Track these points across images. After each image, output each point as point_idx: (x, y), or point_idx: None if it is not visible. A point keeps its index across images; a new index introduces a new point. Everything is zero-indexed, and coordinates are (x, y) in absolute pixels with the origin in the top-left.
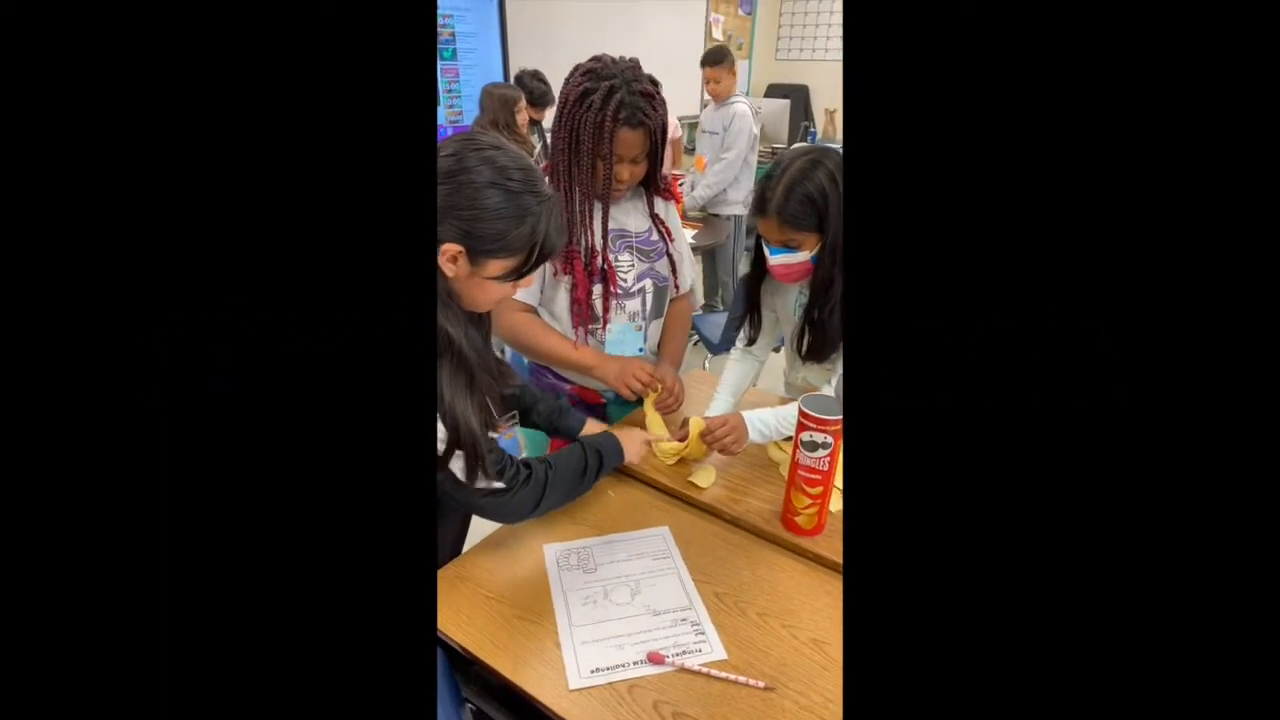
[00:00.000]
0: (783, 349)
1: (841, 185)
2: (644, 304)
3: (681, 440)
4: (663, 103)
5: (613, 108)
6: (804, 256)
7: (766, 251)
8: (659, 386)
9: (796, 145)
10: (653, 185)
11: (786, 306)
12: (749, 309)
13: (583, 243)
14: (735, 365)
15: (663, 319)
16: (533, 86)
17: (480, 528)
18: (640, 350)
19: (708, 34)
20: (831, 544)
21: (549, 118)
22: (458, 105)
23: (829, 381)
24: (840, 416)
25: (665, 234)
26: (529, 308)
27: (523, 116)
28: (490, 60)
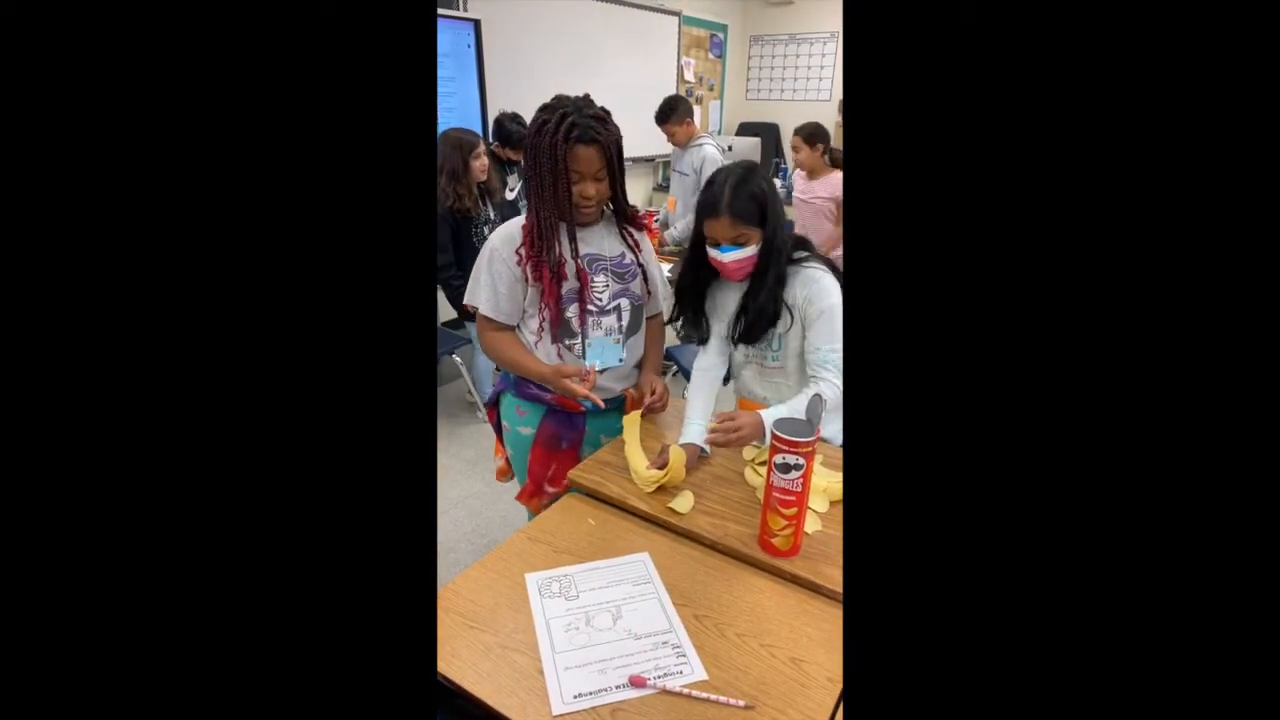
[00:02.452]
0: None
1: (769, 188)
2: (620, 320)
3: (660, 468)
4: (616, 127)
5: (565, 128)
6: (752, 251)
7: (715, 253)
8: (592, 384)
9: (723, 165)
10: (620, 209)
11: (728, 310)
12: (696, 310)
13: (551, 255)
14: (698, 390)
15: (641, 334)
16: (512, 129)
17: (463, 559)
18: (620, 361)
19: (679, 76)
20: (808, 565)
21: None
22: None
23: (773, 382)
24: (811, 438)
25: (635, 247)
26: (508, 326)
27: (479, 163)
28: (469, 104)
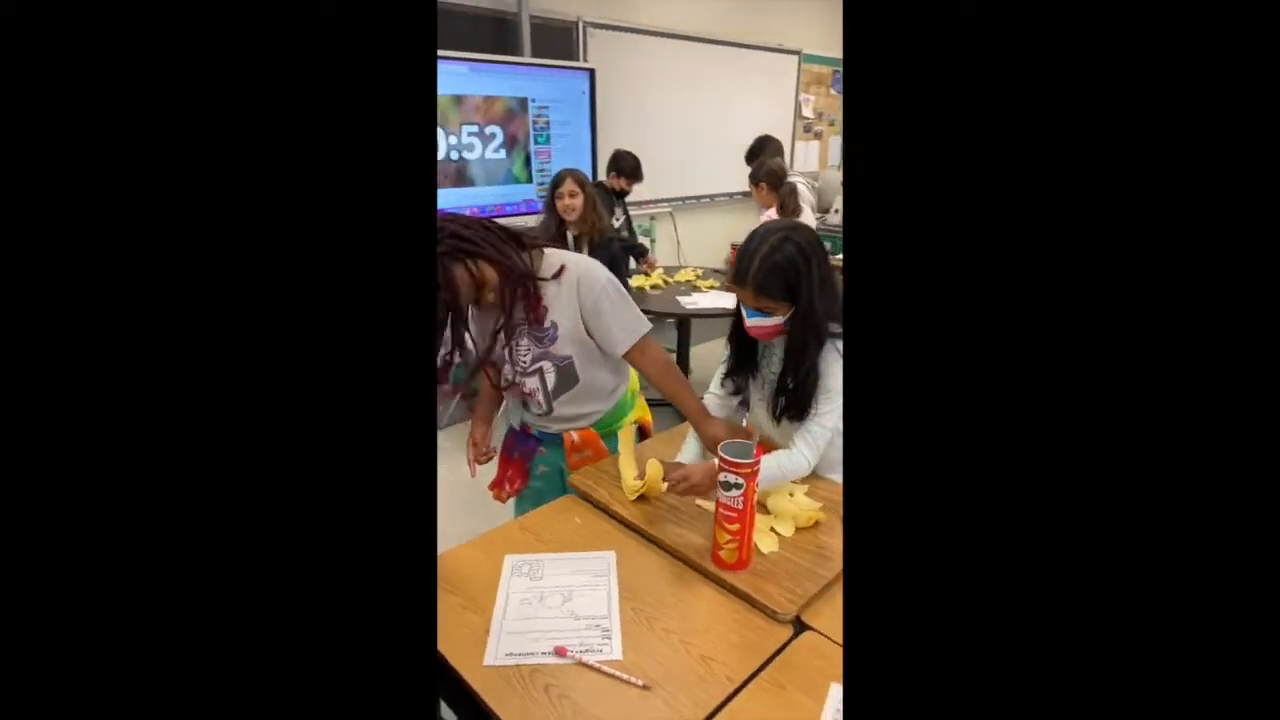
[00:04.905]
0: (751, 407)
1: (811, 258)
2: (544, 382)
3: (641, 479)
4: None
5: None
6: (777, 320)
7: (743, 312)
8: (483, 460)
9: (771, 221)
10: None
11: (770, 367)
12: (745, 363)
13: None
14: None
15: (579, 387)
16: (625, 163)
17: (464, 531)
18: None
19: (797, 112)
20: (751, 580)
21: (637, 191)
22: (546, 184)
23: (782, 429)
24: (750, 461)
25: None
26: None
27: (563, 201)
28: (580, 145)
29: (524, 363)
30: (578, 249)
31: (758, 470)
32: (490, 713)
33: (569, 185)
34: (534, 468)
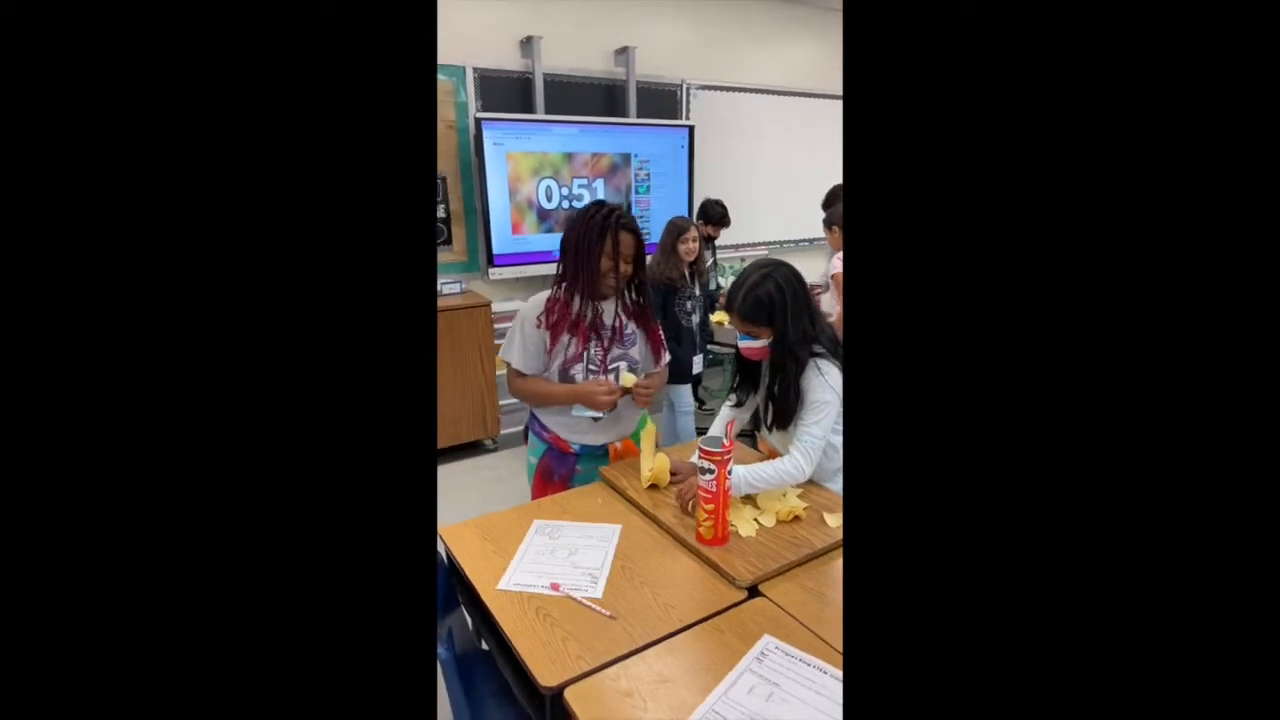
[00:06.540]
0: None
1: (787, 291)
2: (617, 377)
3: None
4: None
5: (614, 217)
6: (762, 342)
7: (737, 336)
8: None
9: (760, 259)
10: (632, 285)
11: (766, 384)
12: (747, 380)
13: (586, 310)
14: (716, 426)
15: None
16: (712, 211)
17: (495, 502)
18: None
19: None
20: (723, 554)
21: (730, 235)
22: (647, 228)
23: (782, 441)
24: (719, 450)
25: (637, 317)
26: (530, 375)
27: (686, 246)
28: (678, 194)
29: (601, 358)
30: (692, 285)
31: (728, 459)
32: (495, 621)
33: (694, 231)
34: (572, 486)
